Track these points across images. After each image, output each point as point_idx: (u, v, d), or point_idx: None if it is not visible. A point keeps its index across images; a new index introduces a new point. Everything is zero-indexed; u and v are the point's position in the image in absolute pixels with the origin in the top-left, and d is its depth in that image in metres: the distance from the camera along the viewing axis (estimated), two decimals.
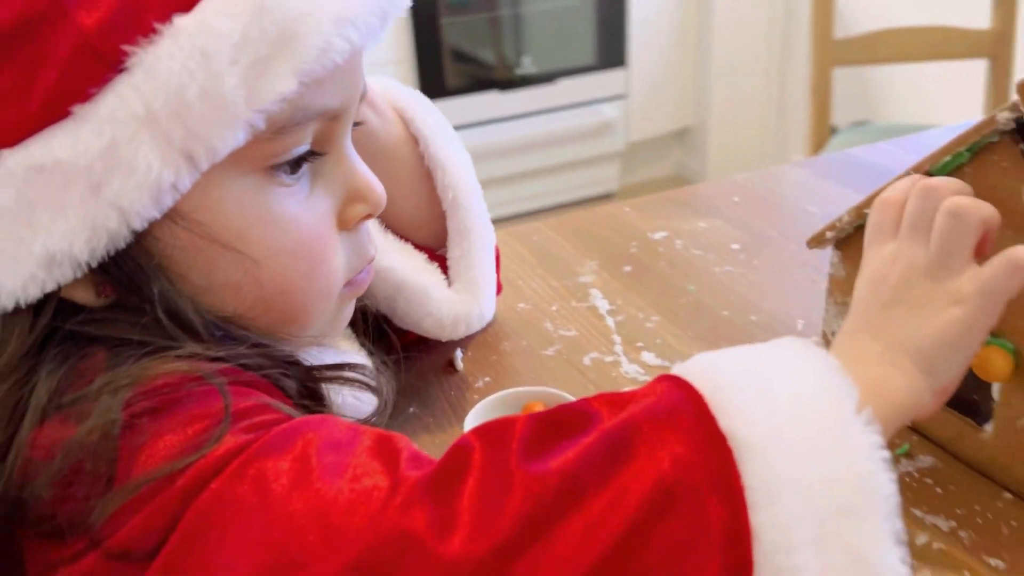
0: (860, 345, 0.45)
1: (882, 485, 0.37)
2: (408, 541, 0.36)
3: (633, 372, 0.69)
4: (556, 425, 0.39)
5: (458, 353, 0.71)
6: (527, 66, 2.65)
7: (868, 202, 0.58)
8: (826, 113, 1.98)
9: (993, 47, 1.88)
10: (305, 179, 0.47)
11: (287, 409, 0.44)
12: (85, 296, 0.44)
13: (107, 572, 0.38)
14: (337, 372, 0.51)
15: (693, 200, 0.97)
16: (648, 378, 0.67)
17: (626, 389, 0.56)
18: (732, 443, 0.37)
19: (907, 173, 0.55)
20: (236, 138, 0.41)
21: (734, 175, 1.00)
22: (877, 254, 0.48)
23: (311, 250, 0.48)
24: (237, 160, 0.43)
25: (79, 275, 0.42)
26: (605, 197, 2.88)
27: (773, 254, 0.85)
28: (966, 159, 0.52)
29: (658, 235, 0.89)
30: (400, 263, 0.63)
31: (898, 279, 0.46)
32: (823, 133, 1.99)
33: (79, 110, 0.40)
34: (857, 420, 0.38)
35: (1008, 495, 0.55)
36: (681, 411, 0.38)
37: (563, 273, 0.83)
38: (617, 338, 0.73)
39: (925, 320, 0.44)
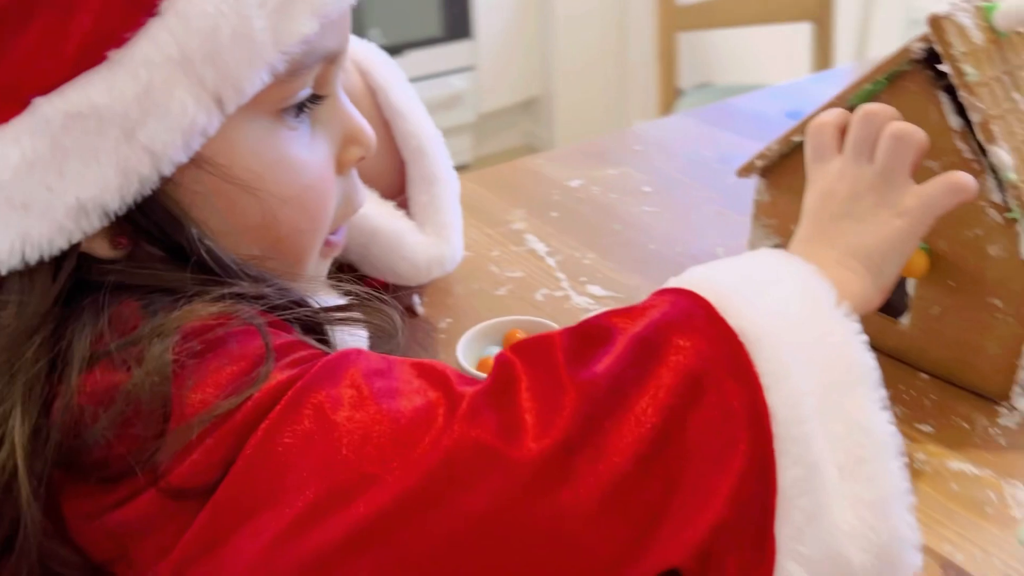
0: (817, 252, 0.52)
1: (866, 362, 0.43)
2: (480, 448, 0.39)
3: (584, 303, 0.74)
4: (587, 338, 0.44)
5: (415, 299, 0.74)
6: (375, 38, 2.60)
7: (795, 131, 0.66)
8: (672, 77, 2.10)
9: (817, 10, 2.05)
10: (306, 123, 0.49)
11: (318, 345, 0.46)
12: (101, 248, 0.44)
13: (162, 511, 0.39)
14: (346, 312, 0.53)
15: (599, 151, 1.03)
16: (599, 307, 0.72)
17: (582, 318, 0.61)
18: (742, 338, 0.42)
19: (831, 102, 0.62)
20: (262, 80, 0.42)
21: (631, 126, 1.07)
22: (822, 171, 0.54)
23: (318, 194, 0.49)
24: (254, 103, 0.44)
25: (105, 224, 0.42)
26: (459, 168, 2.90)
27: (682, 193, 0.92)
28: (883, 86, 0.60)
29: (575, 183, 0.95)
30: (373, 211, 0.65)
31: (846, 194, 0.52)
32: (670, 96, 2.12)
33: (114, 55, 0.40)
34: (839, 311, 0.45)
35: (925, 375, 0.64)
36: (695, 314, 0.43)
37: (496, 222, 0.87)
38: (561, 275, 0.78)
39: (872, 229, 0.51)
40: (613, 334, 0.44)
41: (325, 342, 0.51)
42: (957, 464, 0.56)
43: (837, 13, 2.05)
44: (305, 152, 0.48)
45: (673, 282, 0.47)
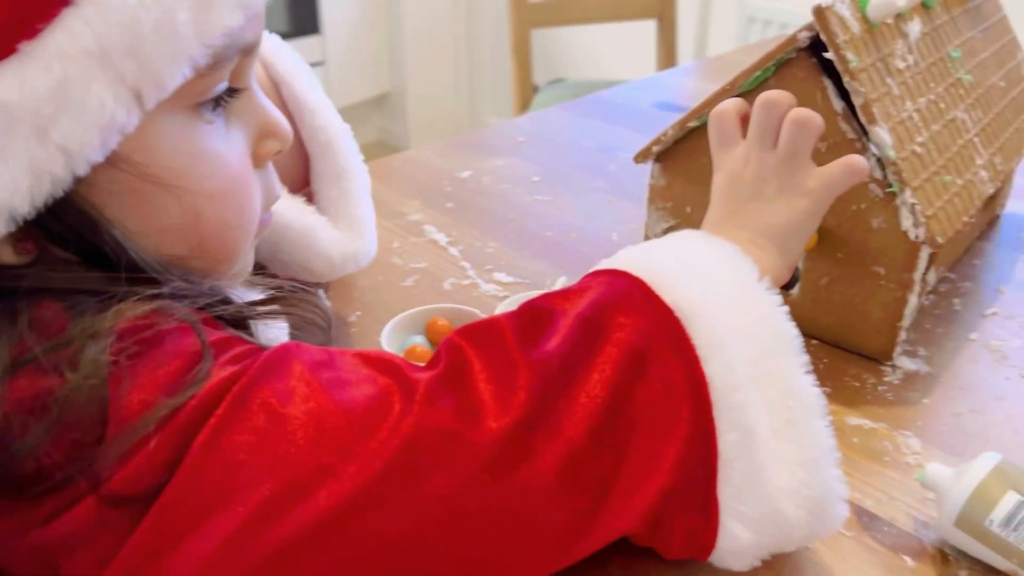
0: (730, 233, 0.54)
1: (790, 331, 0.47)
2: (441, 432, 0.39)
3: (493, 290, 0.75)
4: (533, 320, 0.45)
5: (320, 294, 0.73)
6: None
7: (689, 117, 0.69)
8: (527, 73, 2.15)
9: (660, 8, 2.15)
10: (222, 117, 0.47)
11: (253, 340, 0.45)
12: (4, 253, 0.41)
13: (100, 520, 0.38)
14: (275, 306, 0.52)
15: (483, 143, 1.04)
16: (508, 294, 0.74)
17: (494, 305, 0.63)
18: (677, 313, 0.45)
19: (724, 88, 0.66)
20: (184, 74, 0.41)
21: (491, 121, 1.08)
22: (728, 157, 0.57)
23: (240, 188, 0.48)
24: (172, 98, 0.42)
25: (12, 229, 0.39)
26: None
27: (569, 182, 0.95)
28: (771, 72, 0.65)
29: (465, 174, 0.96)
30: (282, 207, 0.63)
31: (753, 178, 0.55)
32: (527, 91, 2.16)
33: (25, 47, 0.37)
34: (761, 285, 0.48)
35: (815, 341, 0.70)
36: (632, 293, 0.46)
37: (391, 213, 0.87)
38: (466, 264, 0.79)
39: (779, 210, 0.54)
40: (556, 315, 0.45)
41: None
42: (854, 420, 0.61)
43: (679, 11, 2.15)
44: (222, 146, 0.46)
45: (606, 263, 0.49)
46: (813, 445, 0.45)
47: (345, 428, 0.39)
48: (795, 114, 0.54)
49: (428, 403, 0.40)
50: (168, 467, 0.38)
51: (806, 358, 0.47)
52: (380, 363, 0.43)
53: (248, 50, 0.47)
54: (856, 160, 0.54)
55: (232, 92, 0.47)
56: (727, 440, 0.43)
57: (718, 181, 0.57)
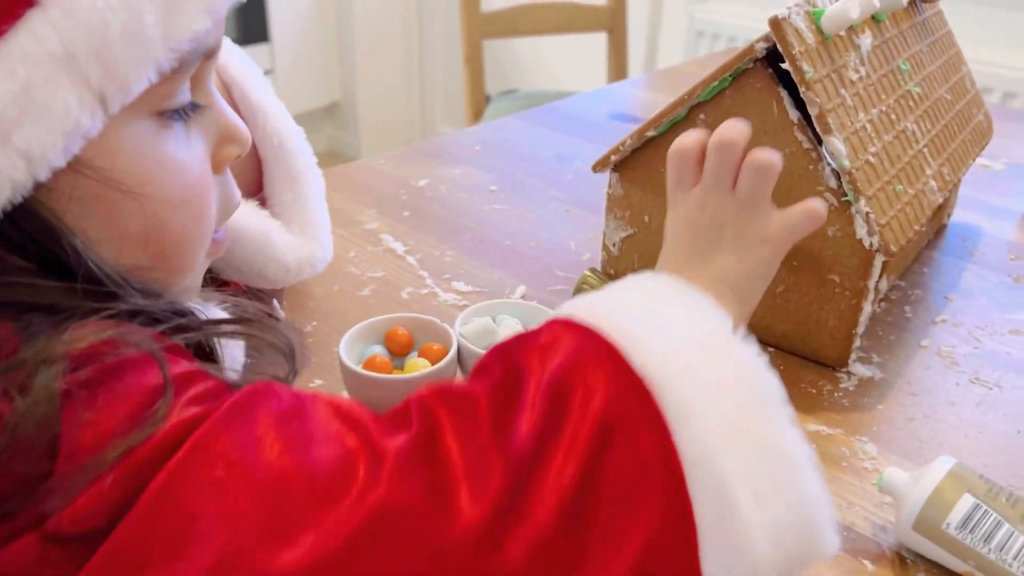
0: (690, 280, 0.51)
1: (771, 382, 0.44)
2: (409, 511, 0.37)
3: (451, 299, 0.74)
4: (507, 391, 0.43)
5: (275, 303, 0.72)
6: None
7: (647, 127, 0.70)
8: (480, 83, 2.15)
9: (611, 20, 2.17)
10: (182, 122, 0.46)
11: (222, 374, 0.44)
12: None
13: (41, 559, 0.36)
14: (237, 327, 0.50)
15: (440, 151, 1.04)
16: (467, 303, 0.73)
17: (457, 321, 0.62)
18: (648, 379, 0.42)
19: (682, 98, 0.67)
20: (149, 79, 0.40)
21: (441, 131, 1.08)
22: (683, 199, 0.54)
23: (200, 194, 0.47)
24: (135, 103, 0.41)
25: None
26: None
27: (526, 191, 0.95)
28: (728, 83, 0.65)
29: (421, 182, 0.95)
30: (236, 211, 0.62)
31: (710, 223, 0.52)
32: (480, 101, 2.16)
33: None
34: (735, 337, 0.45)
35: (772, 349, 0.70)
36: (601, 356, 0.43)
37: (347, 222, 0.86)
38: (424, 273, 0.78)
39: (739, 258, 0.52)
40: (525, 379, 0.43)
41: (212, 357, 0.48)
42: (812, 426, 0.62)
43: (629, 23, 2.17)
44: (184, 152, 0.45)
45: (569, 310, 0.46)
46: (801, 505, 0.42)
47: (307, 492, 0.37)
48: (755, 160, 0.51)
49: (398, 477, 0.38)
50: (119, 508, 0.36)
51: (790, 411, 0.44)
52: (350, 419, 0.41)
53: (210, 54, 0.46)
54: (817, 206, 0.53)
55: (195, 107, 0.46)
56: (705, 514, 0.40)
57: (675, 223, 0.55)
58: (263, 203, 0.66)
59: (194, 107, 0.46)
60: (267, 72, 2.73)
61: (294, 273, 0.65)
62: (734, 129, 0.52)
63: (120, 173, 0.42)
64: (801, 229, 0.52)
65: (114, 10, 0.37)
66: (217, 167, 0.49)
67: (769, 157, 0.51)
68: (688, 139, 0.54)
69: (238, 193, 0.53)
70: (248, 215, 0.63)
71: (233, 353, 0.51)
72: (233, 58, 0.65)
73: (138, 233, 0.44)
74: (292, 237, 0.64)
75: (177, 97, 0.44)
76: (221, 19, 0.44)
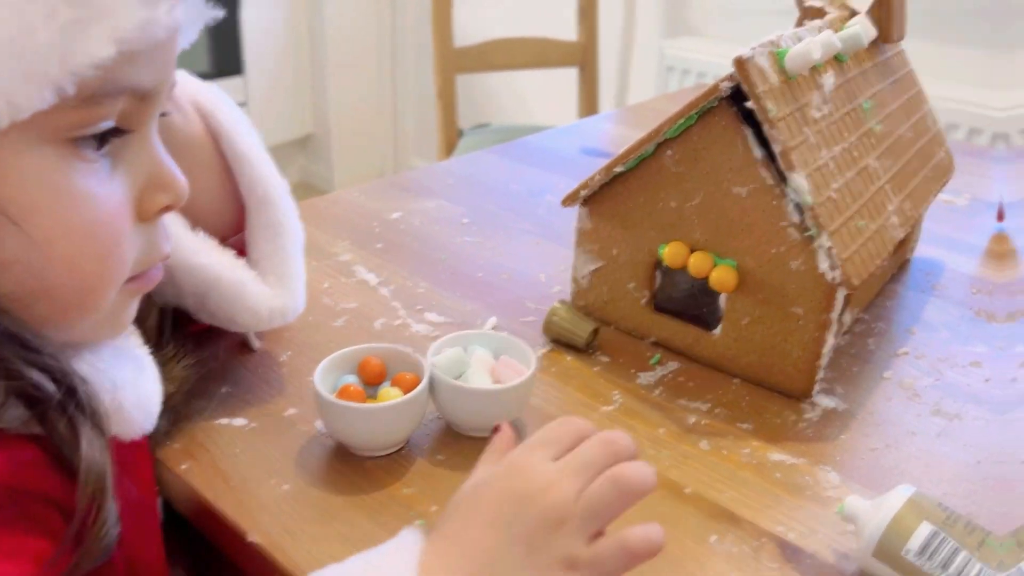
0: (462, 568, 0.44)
1: None
2: None
3: (424, 330, 0.75)
4: None
5: (250, 333, 0.72)
6: None
7: (616, 162, 0.71)
8: (453, 117, 2.17)
9: (582, 56, 2.21)
10: (107, 159, 0.45)
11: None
12: None
13: None
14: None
15: (413, 184, 1.05)
16: (439, 334, 0.74)
17: (429, 350, 0.63)
18: None
19: (649, 135, 0.69)
20: (43, 98, 0.39)
21: (415, 164, 1.09)
22: (534, 463, 0.46)
23: (106, 233, 0.45)
24: (39, 126, 0.41)
25: None
26: None
27: (498, 224, 0.96)
28: (695, 120, 0.67)
29: (395, 215, 0.96)
30: (214, 259, 0.62)
31: (539, 513, 0.44)
32: (452, 135, 2.18)
33: None
34: None
35: (737, 380, 0.72)
36: None
37: (320, 254, 0.86)
38: (396, 304, 0.79)
39: (535, 574, 0.44)
40: None
41: (72, 391, 0.45)
42: (777, 455, 0.63)
43: (600, 59, 2.21)
44: (96, 187, 0.44)
45: None
46: None
47: None
48: (621, 476, 0.46)
49: None
50: None
51: None
52: None
53: (142, 95, 0.45)
54: (634, 543, 0.44)
55: (118, 132, 0.45)
56: None
57: (502, 482, 0.46)
58: (240, 250, 0.67)
59: (117, 132, 0.45)
60: (240, 104, 2.73)
61: (265, 322, 0.65)
62: (624, 441, 0.48)
63: (7, 198, 0.41)
64: (613, 568, 0.44)
65: (3, 21, 0.38)
66: (143, 214, 0.48)
67: (640, 477, 0.46)
68: (582, 422, 0.50)
69: (167, 246, 0.52)
70: (224, 264, 0.63)
71: (115, 376, 0.49)
72: (223, 107, 0.66)
73: (19, 263, 0.43)
74: (267, 288, 0.64)
75: (89, 128, 0.43)
76: (153, 59, 0.44)
